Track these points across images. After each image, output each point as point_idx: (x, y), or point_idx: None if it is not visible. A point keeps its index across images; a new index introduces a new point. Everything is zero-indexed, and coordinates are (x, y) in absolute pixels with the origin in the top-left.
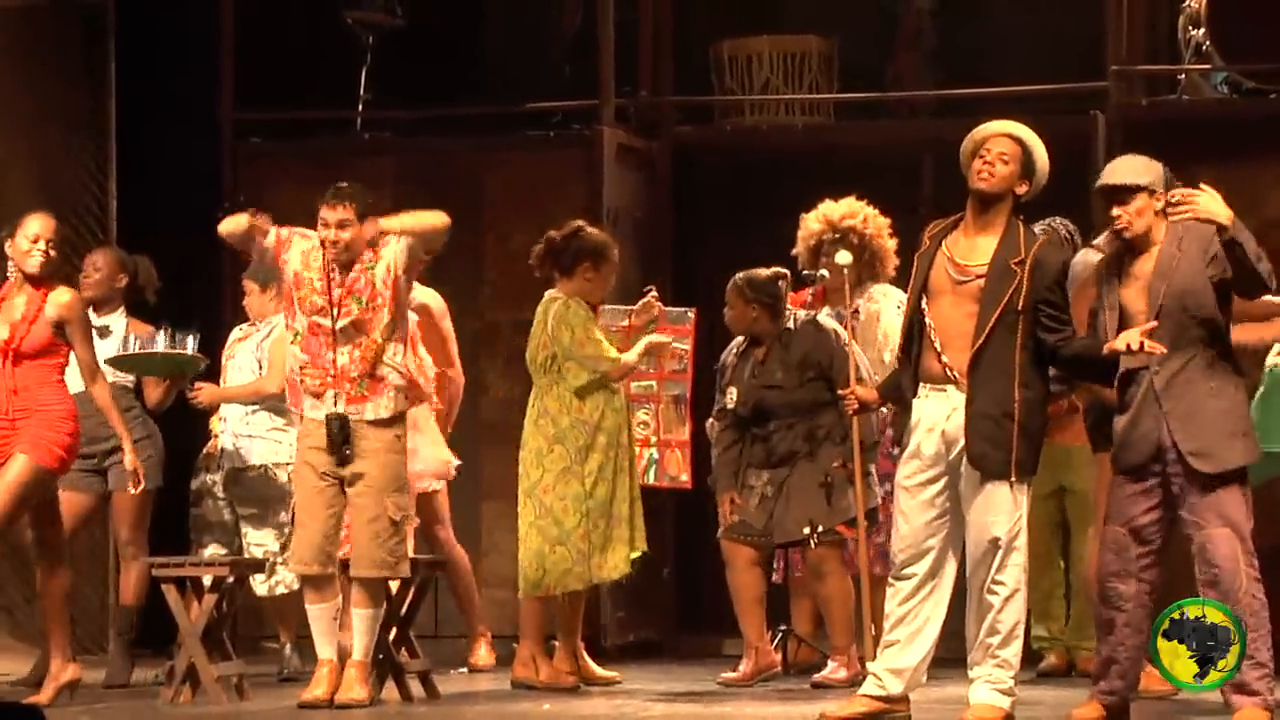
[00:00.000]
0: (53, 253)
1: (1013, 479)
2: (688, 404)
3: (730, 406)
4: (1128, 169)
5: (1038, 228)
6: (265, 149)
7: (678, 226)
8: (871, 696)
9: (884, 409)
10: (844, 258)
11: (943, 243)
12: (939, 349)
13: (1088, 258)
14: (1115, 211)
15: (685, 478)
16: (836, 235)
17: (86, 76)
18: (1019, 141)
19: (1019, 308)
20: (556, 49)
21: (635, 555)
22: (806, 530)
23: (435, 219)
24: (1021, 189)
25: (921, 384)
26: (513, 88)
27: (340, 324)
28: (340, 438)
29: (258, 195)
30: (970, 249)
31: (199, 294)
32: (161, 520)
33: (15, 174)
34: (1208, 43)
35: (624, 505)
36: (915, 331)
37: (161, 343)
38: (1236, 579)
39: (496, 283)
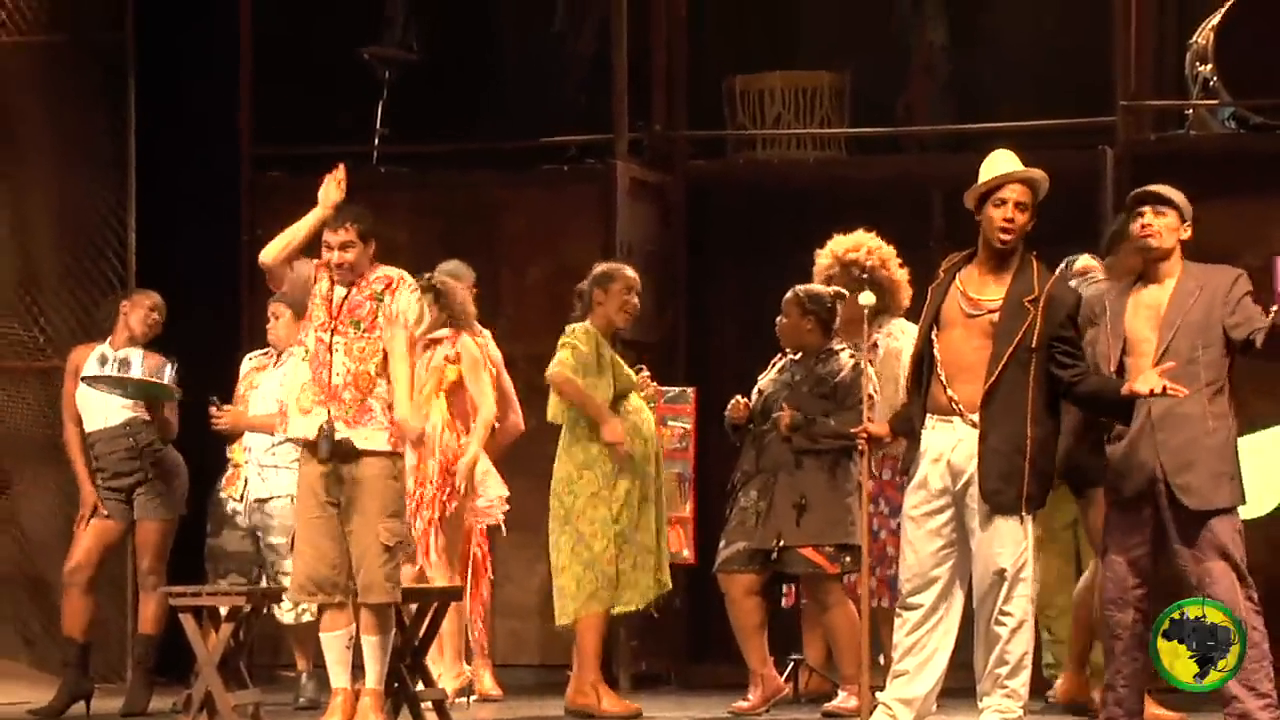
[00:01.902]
0: None
1: (1023, 513)
2: (690, 481)
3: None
4: (1168, 188)
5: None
6: (283, 183)
7: (690, 259)
8: None
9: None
10: (867, 298)
11: (957, 276)
12: (945, 381)
13: (1102, 290)
14: (1149, 219)
15: (687, 553)
16: (850, 271)
17: (107, 111)
18: (1030, 184)
19: (1032, 345)
20: (571, 84)
21: (661, 591)
22: (774, 543)
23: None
24: (1031, 226)
25: (929, 414)
26: (527, 122)
27: (336, 340)
28: (326, 446)
29: (276, 229)
30: (984, 284)
31: (216, 325)
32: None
33: (37, 208)
34: (1215, 79)
35: (649, 536)
36: (924, 363)
37: (137, 368)
38: (1237, 612)
39: (512, 316)
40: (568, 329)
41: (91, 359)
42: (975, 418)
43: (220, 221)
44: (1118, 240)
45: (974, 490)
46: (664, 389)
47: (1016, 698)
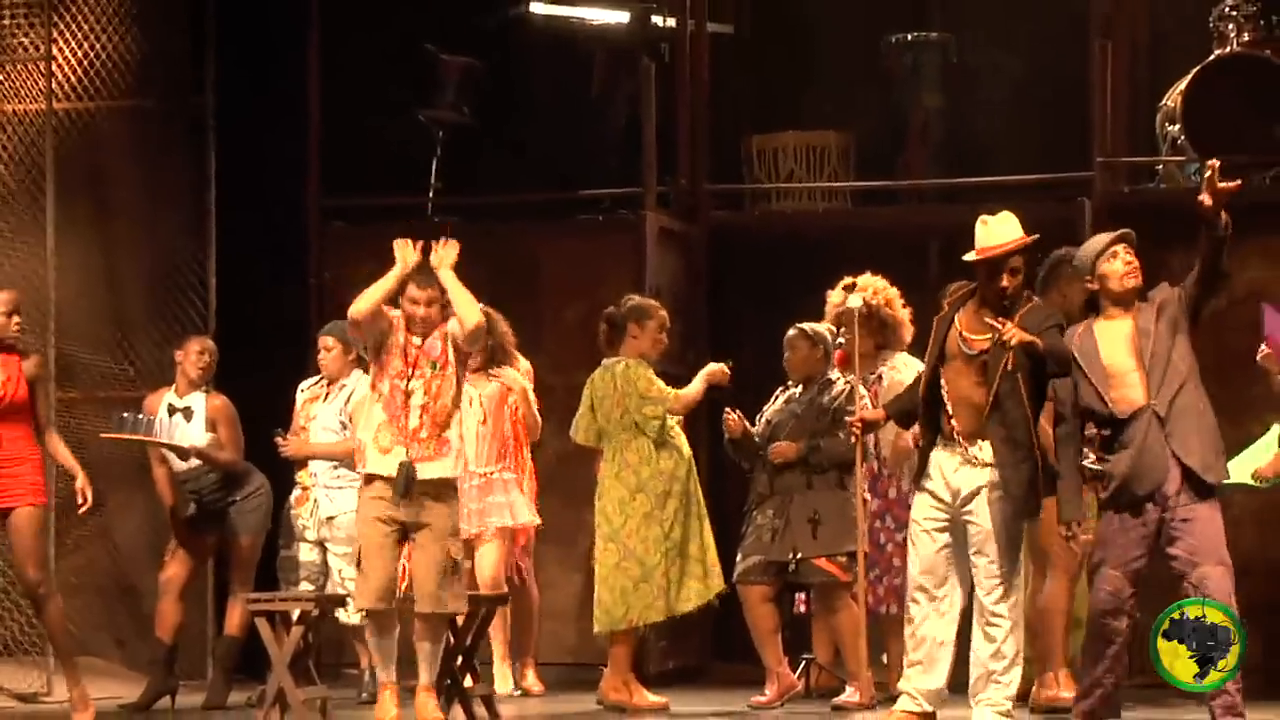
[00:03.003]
0: (15, 320)
1: (1036, 515)
2: None
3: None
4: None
5: None
6: (347, 232)
7: (711, 301)
8: (907, 712)
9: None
10: (855, 300)
11: (957, 316)
12: (950, 412)
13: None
14: (1131, 258)
15: None
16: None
17: (190, 167)
18: (1022, 250)
19: (1011, 366)
20: (605, 143)
21: (718, 591)
22: (790, 556)
23: (473, 315)
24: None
25: (938, 437)
26: (566, 177)
27: (413, 384)
28: (405, 485)
29: (342, 272)
30: (979, 323)
31: (287, 361)
32: None
33: (128, 254)
34: (1183, 137)
35: (695, 545)
36: (933, 391)
37: (200, 413)
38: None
39: (552, 351)
40: (622, 367)
41: (161, 408)
42: (975, 449)
43: (291, 266)
44: (1054, 278)
45: (973, 505)
46: None
47: (1007, 691)
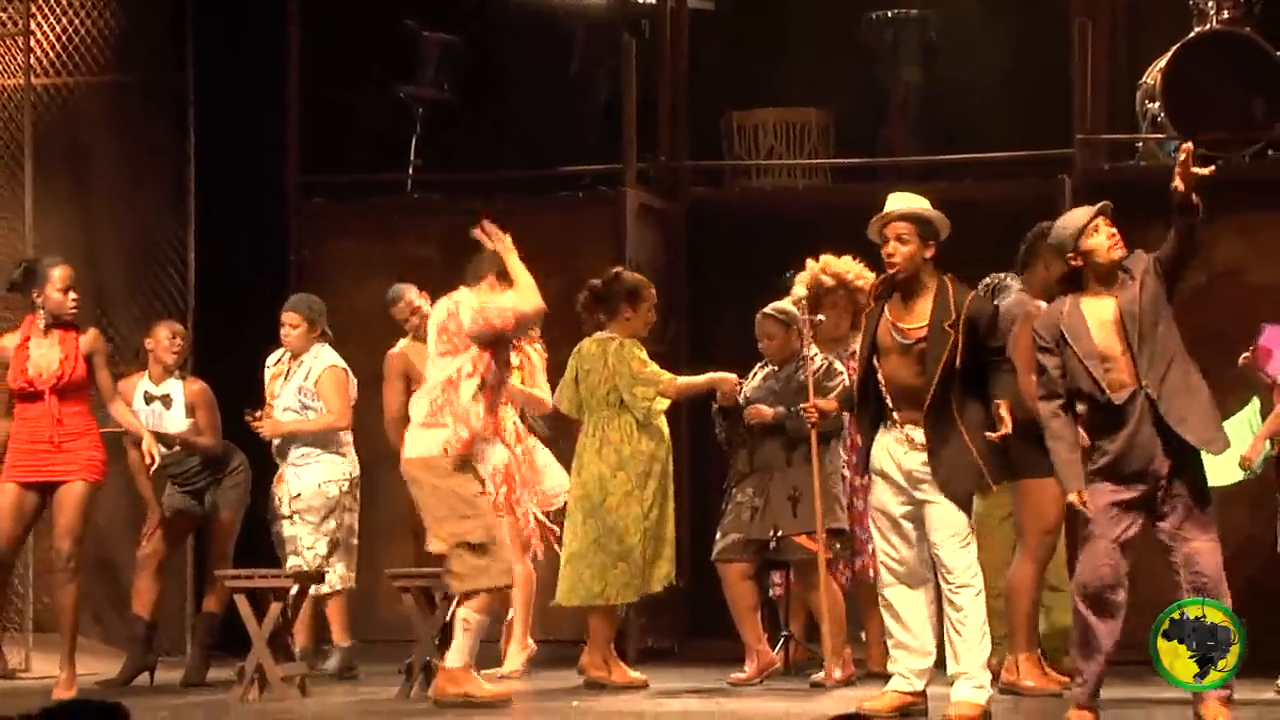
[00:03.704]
0: (75, 296)
1: (990, 489)
2: None
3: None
4: None
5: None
6: (327, 209)
7: (691, 277)
8: (900, 691)
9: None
10: (799, 290)
11: (886, 306)
12: (890, 404)
13: (1022, 298)
14: (1113, 230)
15: None
16: (836, 287)
17: (169, 144)
18: (910, 218)
19: (956, 364)
20: (585, 119)
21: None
22: (771, 533)
23: (536, 300)
24: (930, 252)
25: (879, 429)
26: (546, 154)
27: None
28: None
29: (321, 250)
30: (907, 312)
31: (266, 338)
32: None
33: (107, 231)
34: (1162, 114)
35: (668, 526)
36: (869, 385)
37: (179, 402)
38: (1222, 586)
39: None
40: (615, 345)
41: (137, 396)
42: (917, 434)
43: (271, 242)
44: (1036, 252)
45: (925, 486)
46: None
47: (982, 664)
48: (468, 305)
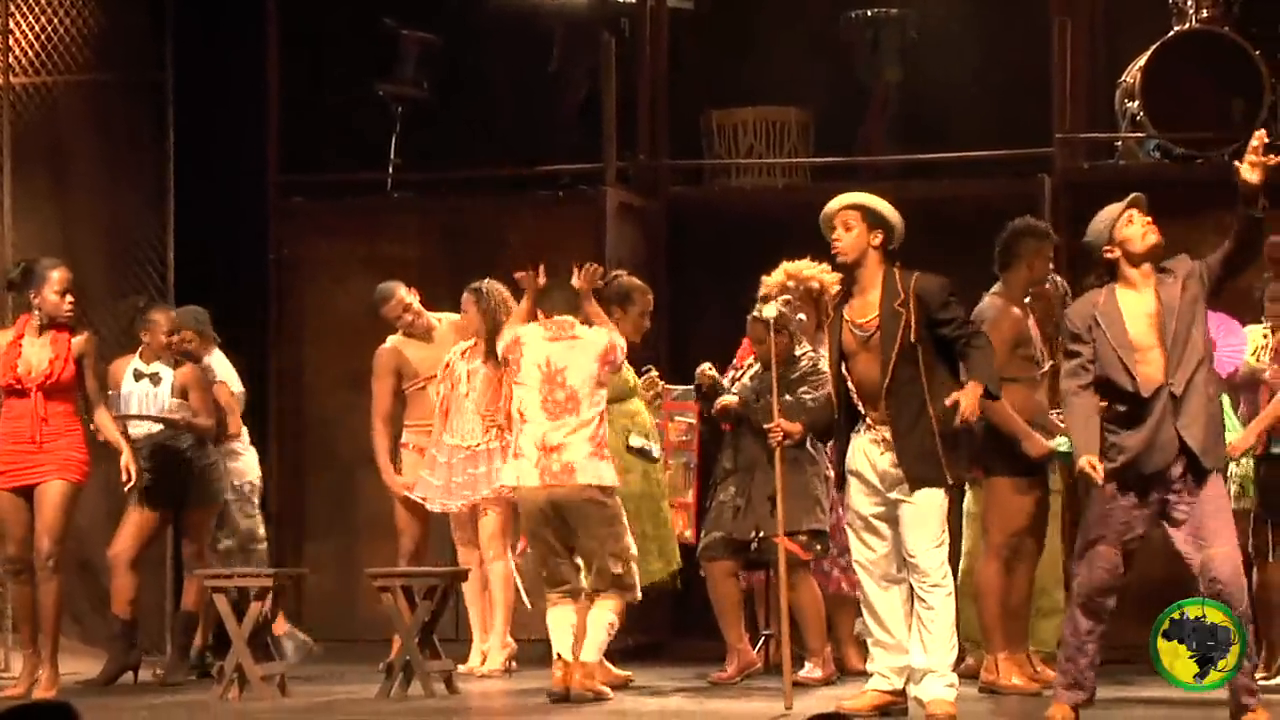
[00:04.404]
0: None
1: (946, 484)
2: (695, 469)
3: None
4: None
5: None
6: (306, 207)
7: (671, 275)
8: (880, 690)
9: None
10: (769, 310)
11: (843, 311)
12: (858, 404)
13: (994, 301)
14: (1148, 219)
15: (689, 534)
16: (799, 289)
17: (149, 142)
18: (854, 207)
19: (913, 339)
20: (565, 118)
21: (669, 570)
22: (753, 535)
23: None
24: (877, 239)
25: (853, 433)
26: (526, 152)
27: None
28: None
29: (299, 248)
30: (863, 307)
31: (244, 332)
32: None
33: (86, 229)
34: (1141, 114)
35: (649, 525)
36: (842, 392)
37: (167, 382)
38: (1240, 593)
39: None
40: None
41: (127, 374)
42: (889, 432)
43: (250, 241)
44: (1018, 251)
45: (900, 487)
46: (671, 388)
47: (950, 663)
48: (618, 340)
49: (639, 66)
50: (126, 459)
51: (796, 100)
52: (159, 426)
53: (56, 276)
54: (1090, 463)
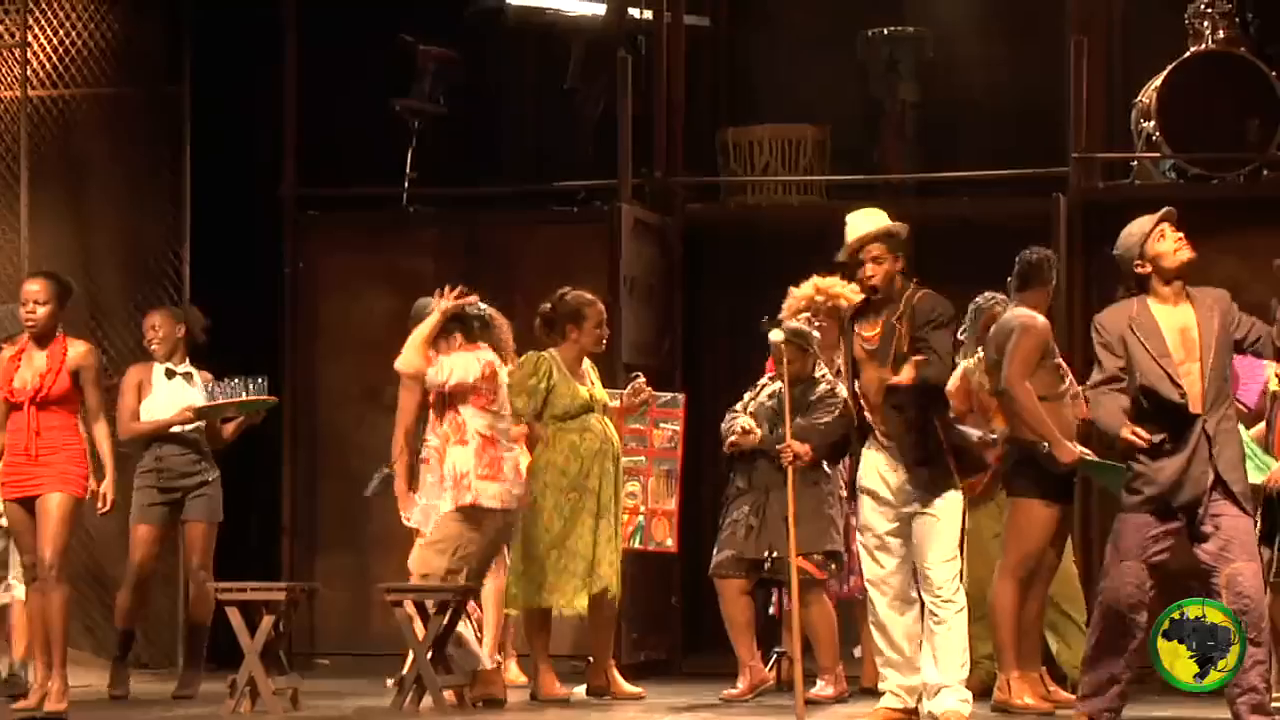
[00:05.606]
0: (40, 311)
1: (954, 488)
2: (678, 478)
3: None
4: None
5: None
6: (322, 221)
7: (686, 292)
8: (892, 709)
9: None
10: (776, 335)
11: (855, 326)
12: (869, 415)
13: (1022, 311)
14: (1179, 233)
15: (670, 542)
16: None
17: (165, 155)
18: (882, 237)
19: (905, 351)
20: (581, 135)
21: (592, 591)
22: (766, 554)
23: None
24: (900, 264)
25: (866, 444)
26: (542, 168)
27: None
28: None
29: (315, 261)
30: (871, 323)
31: (259, 345)
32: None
33: (103, 240)
34: (1157, 134)
35: (583, 544)
36: (857, 403)
37: (240, 389)
38: (1263, 607)
39: (525, 342)
40: (534, 354)
41: (158, 378)
42: (896, 444)
43: (265, 255)
44: (1036, 279)
45: (914, 502)
46: (657, 394)
47: (964, 678)
48: None
49: (655, 83)
50: (107, 485)
51: (812, 118)
52: (190, 427)
53: (24, 289)
54: (1132, 430)
